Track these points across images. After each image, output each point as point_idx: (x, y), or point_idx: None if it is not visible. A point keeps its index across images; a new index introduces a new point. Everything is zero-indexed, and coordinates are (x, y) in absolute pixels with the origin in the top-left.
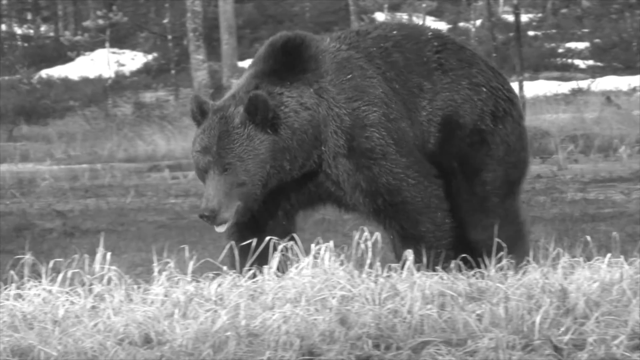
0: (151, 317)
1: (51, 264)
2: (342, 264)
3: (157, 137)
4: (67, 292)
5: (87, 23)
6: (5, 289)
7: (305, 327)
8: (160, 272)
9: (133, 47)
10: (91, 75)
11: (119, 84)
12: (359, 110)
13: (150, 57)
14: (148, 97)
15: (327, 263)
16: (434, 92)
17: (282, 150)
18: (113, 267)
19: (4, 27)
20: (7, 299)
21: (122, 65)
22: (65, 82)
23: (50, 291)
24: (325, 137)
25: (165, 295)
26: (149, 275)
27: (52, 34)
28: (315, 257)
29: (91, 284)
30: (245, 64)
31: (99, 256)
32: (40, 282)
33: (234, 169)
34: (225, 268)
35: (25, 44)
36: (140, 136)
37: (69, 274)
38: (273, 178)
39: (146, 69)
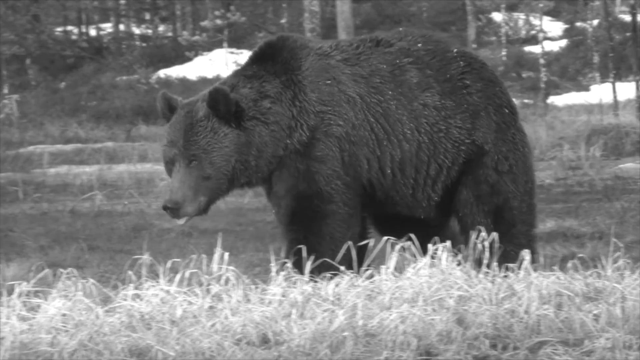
0: (269, 317)
1: (169, 264)
2: (459, 264)
3: None
4: (184, 292)
5: (205, 23)
6: (124, 289)
7: (422, 327)
8: (277, 272)
9: (251, 47)
10: (209, 75)
11: None
12: (324, 116)
13: None
14: None
15: (444, 263)
16: (454, 110)
17: (247, 144)
18: (231, 267)
19: (122, 27)
20: (125, 299)
21: (240, 65)
22: (183, 82)
23: (168, 291)
24: (290, 130)
25: (283, 296)
26: (267, 276)
27: (170, 34)
28: (432, 258)
29: (209, 284)
30: None
31: (216, 256)
32: (158, 282)
33: (199, 162)
34: (342, 268)
35: (144, 44)
36: None
37: (187, 274)
38: (240, 174)
39: None
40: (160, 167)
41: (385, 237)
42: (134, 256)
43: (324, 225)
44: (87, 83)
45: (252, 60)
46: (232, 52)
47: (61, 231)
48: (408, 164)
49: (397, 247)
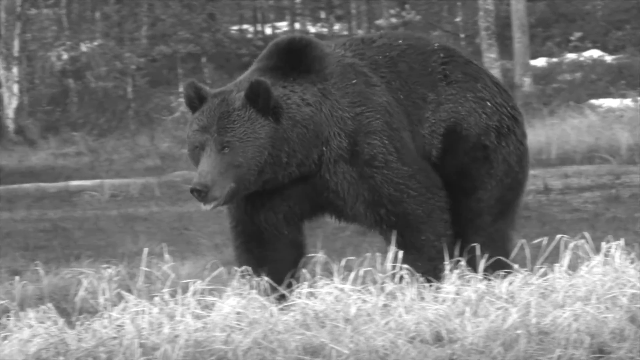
0: (442, 315)
1: (343, 262)
2: (632, 262)
3: None
4: (358, 291)
5: (380, 22)
6: (298, 287)
7: (595, 325)
8: (451, 270)
9: None
10: None
11: None
12: (362, 116)
13: None
14: None
15: (618, 261)
16: (437, 103)
17: (281, 140)
18: (405, 266)
19: (297, 25)
20: (300, 297)
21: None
22: None
23: (342, 289)
24: (327, 138)
25: (457, 294)
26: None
27: (345, 32)
28: (605, 256)
29: (383, 282)
30: (538, 62)
31: (390, 254)
32: (332, 280)
33: (232, 149)
34: (516, 266)
35: None
36: None
37: (361, 272)
38: (269, 168)
39: None
40: None
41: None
42: (309, 254)
43: (409, 222)
44: None
45: (284, 61)
46: None
47: None
48: (418, 155)
49: (571, 244)
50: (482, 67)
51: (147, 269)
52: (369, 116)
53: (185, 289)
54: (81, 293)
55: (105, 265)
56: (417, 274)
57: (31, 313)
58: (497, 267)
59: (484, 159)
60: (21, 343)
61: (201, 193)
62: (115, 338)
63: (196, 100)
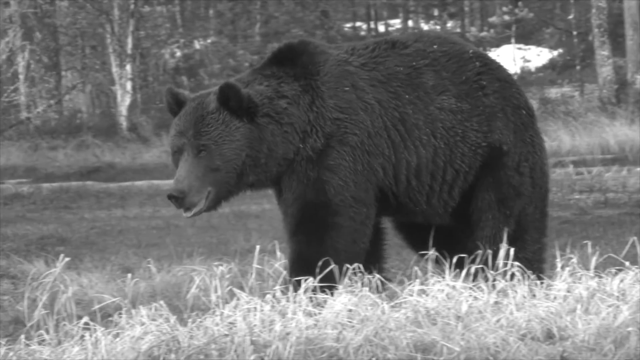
0: (553, 313)
1: (454, 259)
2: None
3: (561, 132)
4: (470, 288)
5: (493, 19)
6: (410, 284)
7: None
8: (563, 267)
9: (538, 43)
10: None
11: (524, 80)
12: (341, 123)
13: (555, 53)
14: (553, 93)
15: None
16: (470, 113)
17: (258, 140)
18: (516, 263)
19: (410, 23)
20: (411, 295)
21: (528, 61)
22: None
23: (453, 287)
24: (305, 134)
25: (568, 291)
26: (552, 271)
27: (458, 29)
28: None
29: (494, 280)
30: None
31: (501, 252)
32: (443, 277)
33: (208, 152)
34: (627, 264)
35: None
36: (545, 132)
37: (472, 269)
38: (249, 170)
39: (551, 65)
40: None
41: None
42: (420, 252)
43: (327, 237)
44: None
45: (271, 61)
46: (519, 48)
47: None
48: (424, 170)
49: None
50: (508, 70)
51: (259, 266)
52: (348, 127)
53: (297, 287)
54: (193, 290)
55: (217, 263)
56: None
57: (143, 310)
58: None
59: (529, 170)
60: (133, 340)
61: (178, 199)
62: (226, 335)
63: (175, 106)
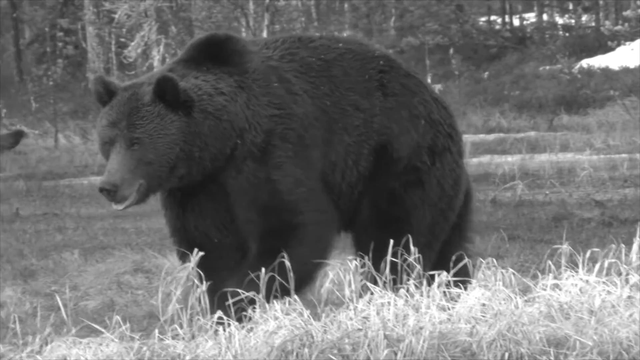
0: None
1: (588, 253)
2: None
3: None
4: (603, 282)
5: (627, 13)
6: (543, 278)
7: None
8: None
9: None
10: (631, 65)
11: None
12: (278, 119)
13: None
14: None
15: None
16: (371, 113)
17: (193, 134)
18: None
19: (545, 16)
20: (545, 289)
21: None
22: (605, 71)
23: (586, 281)
24: (242, 130)
25: None
26: None
27: (592, 23)
28: None
29: (627, 274)
30: None
31: (635, 246)
32: (577, 271)
33: (142, 145)
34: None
35: (566, 34)
36: None
37: (606, 263)
38: (182, 163)
39: None
40: (582, 157)
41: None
42: (554, 246)
43: (294, 239)
44: (509, 73)
45: (200, 54)
46: None
47: (482, 221)
48: (337, 168)
49: None
50: (421, 81)
51: (393, 260)
52: (284, 122)
53: (430, 281)
54: (327, 285)
55: (350, 257)
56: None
57: (277, 305)
58: None
59: (416, 182)
60: (266, 335)
61: (110, 192)
62: (360, 330)
63: (105, 95)
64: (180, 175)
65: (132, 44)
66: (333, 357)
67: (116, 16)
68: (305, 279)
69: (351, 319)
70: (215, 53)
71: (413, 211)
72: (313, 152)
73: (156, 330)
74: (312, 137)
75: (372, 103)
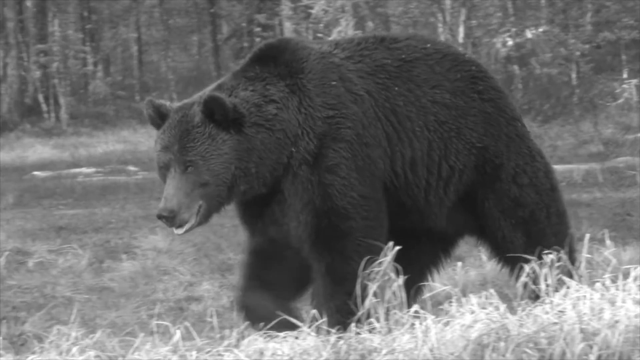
0: None
1: None
2: None
3: None
4: None
5: None
6: None
7: None
8: None
9: None
10: None
11: None
12: (333, 120)
13: None
14: None
15: None
16: (465, 110)
17: (247, 151)
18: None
19: None
20: None
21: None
22: None
23: None
24: (296, 137)
25: None
26: None
27: None
28: None
29: None
30: None
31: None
32: None
33: (196, 168)
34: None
35: None
36: None
37: None
38: (240, 181)
39: None
40: None
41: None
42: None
43: (346, 244)
44: None
45: (252, 61)
46: None
47: None
48: (419, 163)
49: None
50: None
51: (588, 255)
52: (340, 122)
53: (626, 275)
54: (523, 279)
55: (546, 251)
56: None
57: (473, 299)
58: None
59: (529, 184)
60: (463, 328)
61: (168, 219)
62: (555, 324)
63: (157, 119)
64: (242, 192)
65: (330, 39)
66: (529, 351)
67: (313, 11)
68: (351, 288)
69: (547, 312)
70: (263, 57)
71: (536, 207)
72: (374, 151)
73: (353, 324)
74: (373, 137)
75: (467, 102)
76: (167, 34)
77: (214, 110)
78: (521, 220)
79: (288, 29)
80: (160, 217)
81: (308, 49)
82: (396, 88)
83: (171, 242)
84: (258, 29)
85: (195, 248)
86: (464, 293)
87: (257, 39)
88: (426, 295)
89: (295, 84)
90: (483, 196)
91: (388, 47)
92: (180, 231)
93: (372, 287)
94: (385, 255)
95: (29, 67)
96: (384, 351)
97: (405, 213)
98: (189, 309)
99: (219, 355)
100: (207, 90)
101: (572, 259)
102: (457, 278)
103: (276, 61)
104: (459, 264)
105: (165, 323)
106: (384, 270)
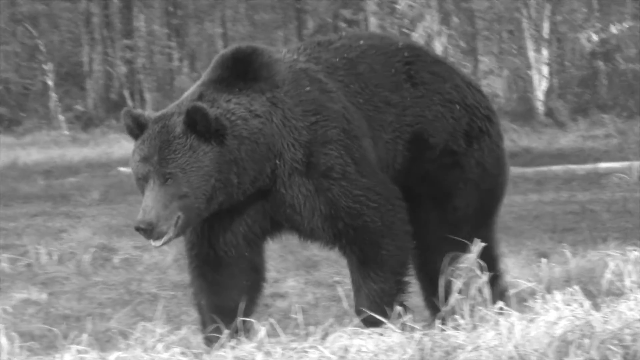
0: None
1: None
2: None
3: None
4: None
5: None
6: None
7: None
8: None
9: None
10: None
11: None
12: (317, 125)
13: None
14: None
15: None
16: (402, 107)
17: (228, 163)
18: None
19: None
20: None
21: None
22: None
23: None
24: (280, 150)
25: None
26: None
27: None
28: None
29: None
30: None
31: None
32: None
33: (175, 180)
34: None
35: None
36: None
37: None
38: (219, 192)
39: None
40: None
41: None
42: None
43: (368, 237)
44: None
45: (230, 71)
46: None
47: None
48: (383, 164)
49: None
50: (452, 66)
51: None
52: (325, 125)
53: None
54: (607, 275)
55: (631, 248)
56: (379, 288)
57: (558, 295)
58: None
59: (452, 164)
60: (547, 325)
61: (146, 231)
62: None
63: (136, 129)
64: (221, 202)
65: (415, 34)
66: (613, 348)
67: (398, 7)
68: (400, 272)
69: (631, 309)
70: (244, 70)
71: (455, 191)
72: (364, 142)
73: (437, 321)
74: (358, 128)
75: (402, 96)
76: (252, 30)
77: (196, 121)
78: (447, 209)
79: (373, 24)
80: (138, 229)
81: (278, 61)
82: (351, 85)
83: None
84: (343, 25)
85: (280, 244)
86: (549, 290)
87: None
88: (511, 291)
89: (275, 97)
90: (416, 183)
91: (328, 49)
92: (157, 243)
93: (458, 284)
94: (471, 251)
95: (115, 62)
96: (468, 348)
97: None
98: (273, 305)
99: (304, 351)
100: (184, 100)
101: (491, 266)
102: (542, 275)
103: (255, 76)
104: (544, 260)
105: (250, 320)
106: (468, 267)
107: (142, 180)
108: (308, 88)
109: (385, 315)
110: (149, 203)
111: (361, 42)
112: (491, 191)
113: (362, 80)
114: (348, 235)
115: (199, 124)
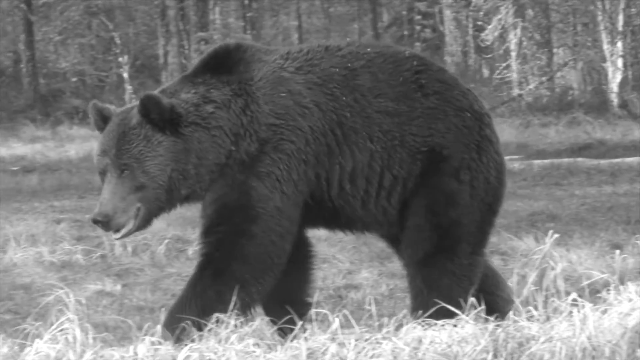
0: None
1: None
2: None
3: None
4: None
5: None
6: None
7: None
8: None
9: None
10: None
11: None
12: (277, 129)
13: None
14: None
15: None
16: (409, 117)
17: (184, 152)
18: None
19: None
20: None
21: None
22: None
23: None
24: (237, 137)
25: None
26: None
27: None
28: None
29: None
30: None
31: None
32: None
33: (131, 171)
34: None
35: None
36: None
37: None
38: (179, 183)
39: None
40: None
41: None
42: None
43: (238, 244)
44: None
45: (205, 66)
46: None
47: None
48: (359, 174)
49: None
50: (452, 74)
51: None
52: (284, 134)
53: None
54: None
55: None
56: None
57: (631, 286)
58: (439, 313)
59: (469, 180)
60: (620, 316)
61: (103, 223)
62: None
63: (100, 122)
64: (183, 197)
65: (489, 27)
66: None
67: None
68: (248, 294)
69: None
70: (219, 64)
71: (465, 211)
72: (309, 169)
73: (511, 312)
74: (314, 154)
75: (410, 106)
76: (327, 22)
77: (150, 110)
78: (446, 222)
79: (448, 17)
80: (95, 221)
81: (262, 61)
82: (344, 98)
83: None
84: (418, 17)
85: (354, 236)
86: (622, 281)
87: (417, 27)
88: (584, 283)
89: (243, 88)
90: (417, 193)
91: (334, 55)
92: (117, 235)
93: (531, 275)
94: (546, 243)
95: (190, 55)
96: (541, 339)
97: (345, 220)
98: (347, 296)
99: (378, 343)
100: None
101: (467, 283)
102: (615, 266)
103: (230, 70)
104: (617, 252)
105: (324, 311)
106: (542, 258)
107: (102, 174)
108: (284, 95)
109: (459, 307)
110: (106, 195)
111: (369, 49)
112: (491, 206)
113: (359, 91)
114: (222, 232)
115: (152, 112)
